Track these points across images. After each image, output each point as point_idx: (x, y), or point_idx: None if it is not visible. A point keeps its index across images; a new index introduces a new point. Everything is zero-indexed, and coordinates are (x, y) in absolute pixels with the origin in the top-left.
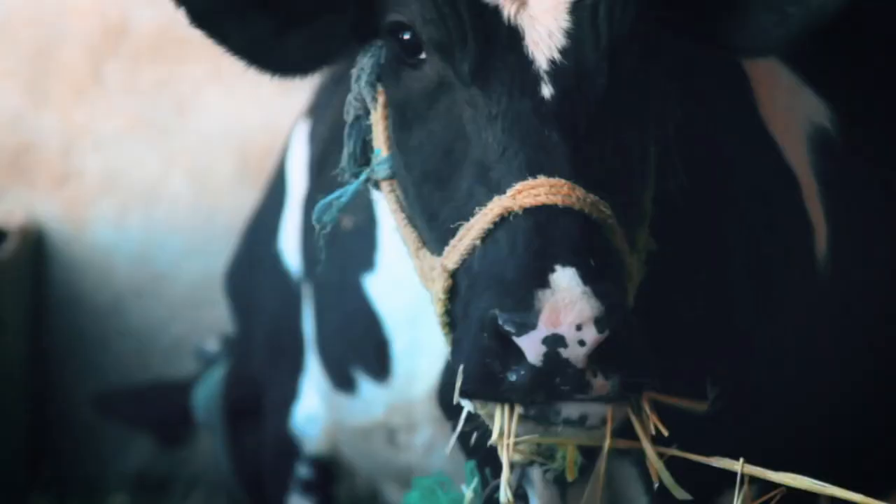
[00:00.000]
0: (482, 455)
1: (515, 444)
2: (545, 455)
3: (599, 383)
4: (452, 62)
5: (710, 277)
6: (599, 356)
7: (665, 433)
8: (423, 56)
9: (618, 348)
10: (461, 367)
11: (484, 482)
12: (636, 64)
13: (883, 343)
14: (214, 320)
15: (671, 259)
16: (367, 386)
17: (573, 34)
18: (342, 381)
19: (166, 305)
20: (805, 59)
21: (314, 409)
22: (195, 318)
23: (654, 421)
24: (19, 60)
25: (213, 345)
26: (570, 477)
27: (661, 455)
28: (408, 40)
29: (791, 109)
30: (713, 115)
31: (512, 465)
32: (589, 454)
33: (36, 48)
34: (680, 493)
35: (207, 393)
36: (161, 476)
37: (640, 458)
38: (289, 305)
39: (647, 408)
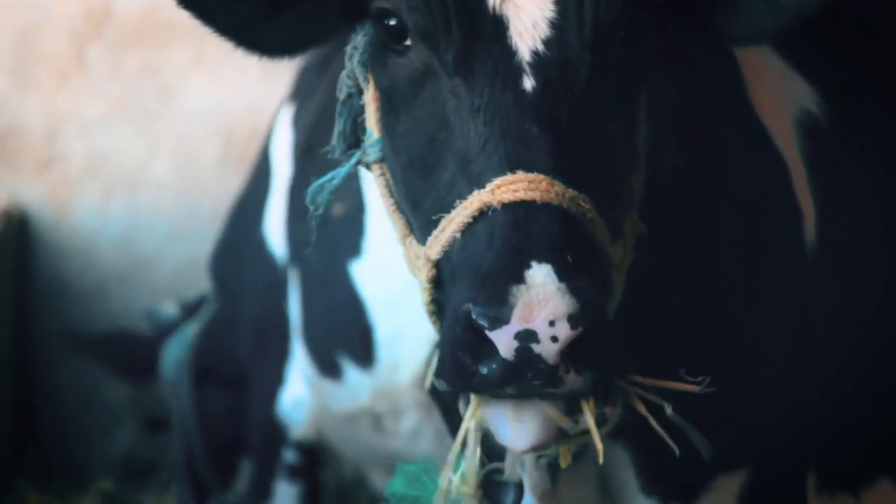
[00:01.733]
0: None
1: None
2: None
3: (571, 378)
4: (437, 51)
5: (700, 261)
6: (572, 352)
7: (668, 408)
8: (408, 43)
9: (591, 345)
10: (436, 358)
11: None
12: (622, 52)
13: (872, 328)
14: None
15: (662, 243)
16: (352, 372)
17: (557, 24)
18: (328, 367)
19: (150, 290)
20: (793, 44)
21: (300, 394)
22: None
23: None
24: (2, 45)
25: (169, 308)
26: (563, 464)
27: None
28: (393, 27)
29: (780, 94)
30: (703, 100)
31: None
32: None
33: (19, 33)
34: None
35: (177, 352)
36: (146, 461)
37: (632, 442)
38: (274, 290)
39: (635, 389)
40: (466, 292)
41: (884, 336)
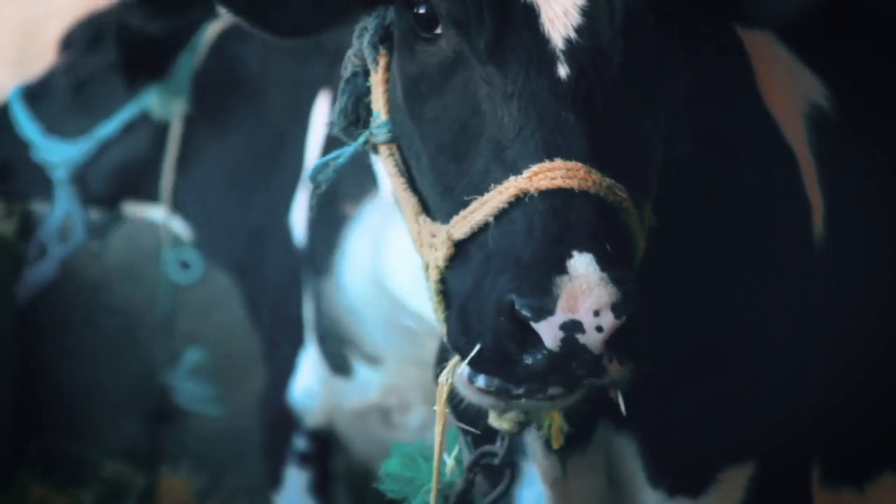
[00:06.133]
0: (466, 424)
1: (501, 412)
2: (530, 423)
3: (614, 368)
4: (468, 38)
5: (708, 254)
6: (615, 341)
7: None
8: (438, 31)
9: (632, 334)
10: (477, 345)
11: (469, 449)
12: (651, 40)
13: (878, 321)
14: (202, 299)
15: (671, 235)
16: (362, 369)
17: (588, 11)
18: (339, 365)
19: (151, 284)
20: (801, 37)
21: (311, 384)
22: (182, 296)
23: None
24: (5, 38)
25: None
26: (555, 445)
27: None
28: (423, 14)
29: (789, 88)
30: (712, 92)
31: (501, 435)
32: (577, 424)
33: (22, 26)
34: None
35: (190, 63)
36: (148, 451)
37: (639, 434)
38: (295, 280)
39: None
40: (508, 283)
41: (890, 329)
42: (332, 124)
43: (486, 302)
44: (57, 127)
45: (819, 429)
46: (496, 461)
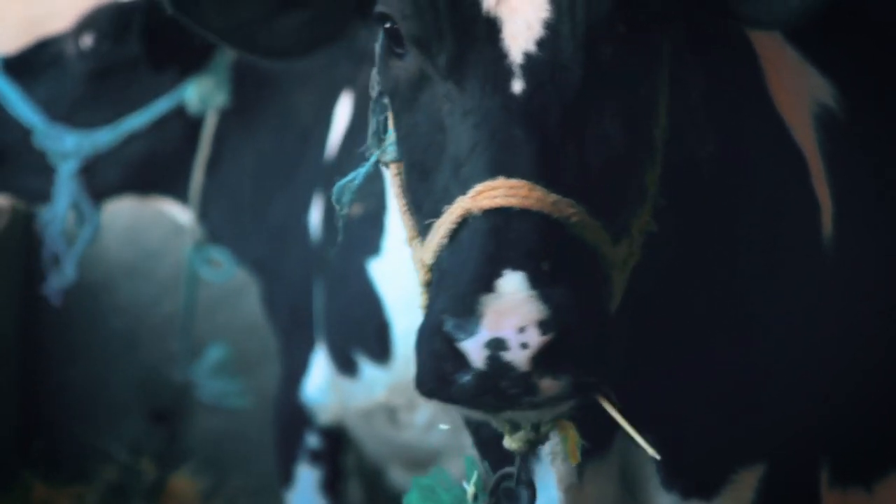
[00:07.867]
0: (482, 447)
1: (513, 433)
2: (544, 442)
3: (546, 385)
4: (430, 56)
5: (717, 253)
6: (549, 358)
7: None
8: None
9: (569, 349)
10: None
11: (488, 474)
12: (625, 48)
13: (886, 321)
14: (204, 299)
15: (682, 237)
16: (368, 369)
17: (552, 24)
18: (345, 365)
19: (156, 283)
20: (808, 38)
21: (323, 383)
22: None
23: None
24: (9, 35)
25: None
26: (573, 462)
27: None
28: (392, 30)
29: (797, 88)
30: (722, 93)
31: (513, 455)
32: (594, 434)
33: (25, 24)
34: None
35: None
36: (153, 451)
37: (652, 439)
38: (310, 278)
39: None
40: (442, 303)
41: None
42: (367, 147)
43: (424, 322)
44: (66, 114)
45: (827, 429)
46: (513, 483)
